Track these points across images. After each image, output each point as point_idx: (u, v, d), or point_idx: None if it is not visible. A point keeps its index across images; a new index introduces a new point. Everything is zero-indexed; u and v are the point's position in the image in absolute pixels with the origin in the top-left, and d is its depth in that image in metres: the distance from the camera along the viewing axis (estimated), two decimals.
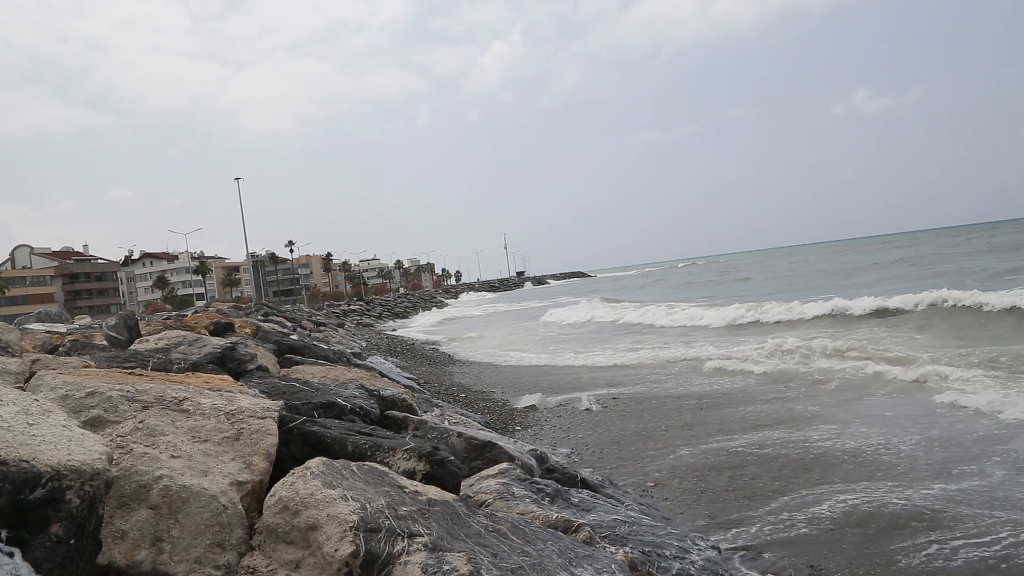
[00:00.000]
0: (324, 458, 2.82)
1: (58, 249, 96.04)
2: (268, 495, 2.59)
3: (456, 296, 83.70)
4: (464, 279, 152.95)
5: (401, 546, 2.30)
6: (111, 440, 2.51)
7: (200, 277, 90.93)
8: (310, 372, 6.30)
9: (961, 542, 4.37)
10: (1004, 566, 4.04)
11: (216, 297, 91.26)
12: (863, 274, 37.03)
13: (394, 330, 35.46)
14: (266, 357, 6.71)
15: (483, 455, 4.32)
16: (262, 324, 11.76)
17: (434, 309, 58.37)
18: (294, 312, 32.96)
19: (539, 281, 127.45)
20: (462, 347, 21.33)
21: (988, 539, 4.37)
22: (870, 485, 5.58)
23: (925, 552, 4.32)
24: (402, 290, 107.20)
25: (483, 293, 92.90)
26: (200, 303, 63.45)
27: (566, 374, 13.77)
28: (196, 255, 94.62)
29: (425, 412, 6.26)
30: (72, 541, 1.83)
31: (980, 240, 63.67)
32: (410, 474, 3.16)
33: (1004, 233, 74.84)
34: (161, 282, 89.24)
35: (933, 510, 4.93)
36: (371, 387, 5.48)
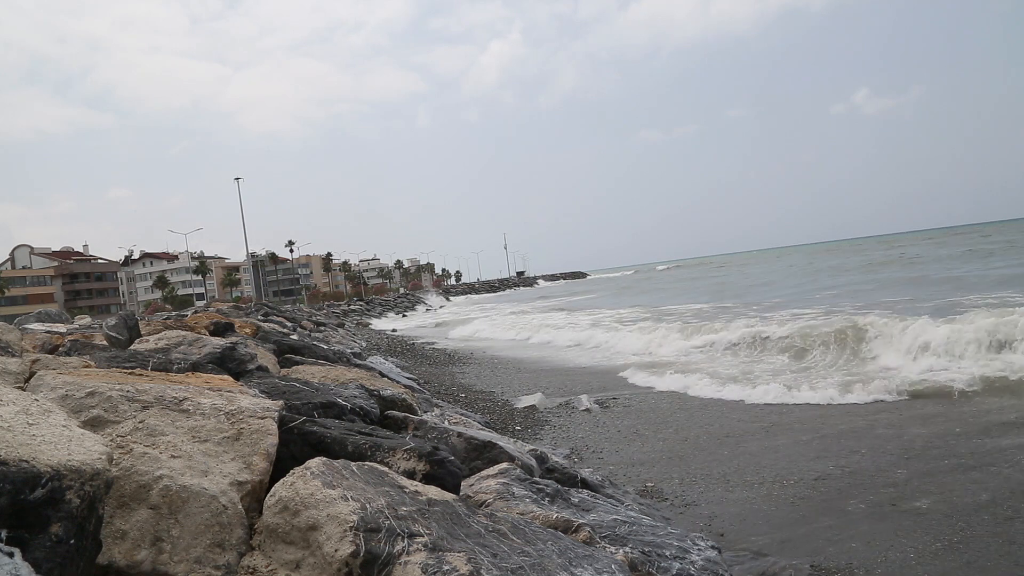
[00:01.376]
0: (324, 458, 2.81)
1: (58, 249, 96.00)
2: (268, 495, 2.59)
3: (447, 298, 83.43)
4: (464, 279, 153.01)
5: (401, 546, 2.30)
6: (111, 440, 2.51)
7: (200, 277, 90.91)
8: (310, 372, 6.30)
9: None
10: None
11: (216, 297, 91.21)
12: (842, 276, 36.88)
13: (395, 330, 35.46)
14: (266, 357, 6.71)
15: (483, 455, 4.32)
16: (262, 324, 11.76)
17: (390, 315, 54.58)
18: (294, 312, 32.94)
19: (530, 281, 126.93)
20: None
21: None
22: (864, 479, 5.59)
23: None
24: (402, 290, 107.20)
25: (479, 295, 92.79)
26: (200, 303, 63.43)
27: (569, 375, 13.77)
28: (196, 255, 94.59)
29: (425, 412, 6.25)
30: (72, 541, 1.83)
31: (974, 239, 63.46)
32: (410, 474, 3.16)
33: (1000, 234, 74.64)
34: (161, 282, 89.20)
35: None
36: (371, 387, 5.47)
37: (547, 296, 58.35)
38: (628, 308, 28.96)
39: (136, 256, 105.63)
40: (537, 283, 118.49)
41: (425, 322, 39.29)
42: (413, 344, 23.28)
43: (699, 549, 3.30)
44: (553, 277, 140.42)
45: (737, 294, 30.64)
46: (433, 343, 23.87)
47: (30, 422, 2.06)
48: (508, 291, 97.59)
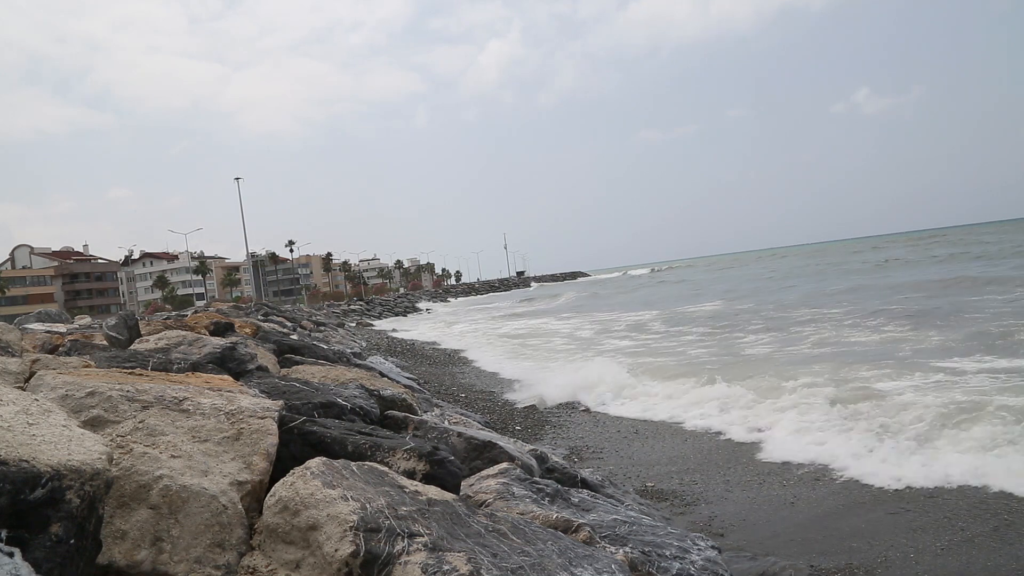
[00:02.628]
0: (324, 458, 2.82)
1: (58, 249, 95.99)
2: (268, 495, 2.59)
3: (444, 299, 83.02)
4: (464, 279, 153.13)
5: (401, 546, 2.30)
6: (111, 440, 2.51)
7: (200, 277, 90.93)
8: (310, 372, 6.30)
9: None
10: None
11: (216, 297, 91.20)
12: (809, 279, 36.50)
13: (395, 329, 35.54)
14: (266, 357, 6.71)
15: (483, 455, 4.32)
16: (262, 324, 11.75)
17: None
18: (294, 312, 32.91)
19: (527, 282, 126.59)
20: None
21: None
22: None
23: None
24: (402, 290, 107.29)
25: (480, 295, 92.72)
26: (200, 303, 63.42)
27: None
28: (196, 255, 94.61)
29: (425, 412, 6.25)
30: (72, 541, 1.83)
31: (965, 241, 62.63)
32: (410, 474, 3.16)
33: (998, 234, 74.08)
34: (161, 282, 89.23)
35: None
36: (371, 387, 5.48)
37: (532, 298, 58.50)
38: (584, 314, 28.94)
39: (136, 256, 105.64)
40: (531, 285, 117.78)
41: (417, 325, 39.64)
42: (413, 344, 23.27)
43: (699, 549, 3.30)
44: (555, 278, 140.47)
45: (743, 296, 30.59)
46: (434, 343, 23.86)
47: (30, 422, 2.06)
48: (503, 292, 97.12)
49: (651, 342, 17.14)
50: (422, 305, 66.41)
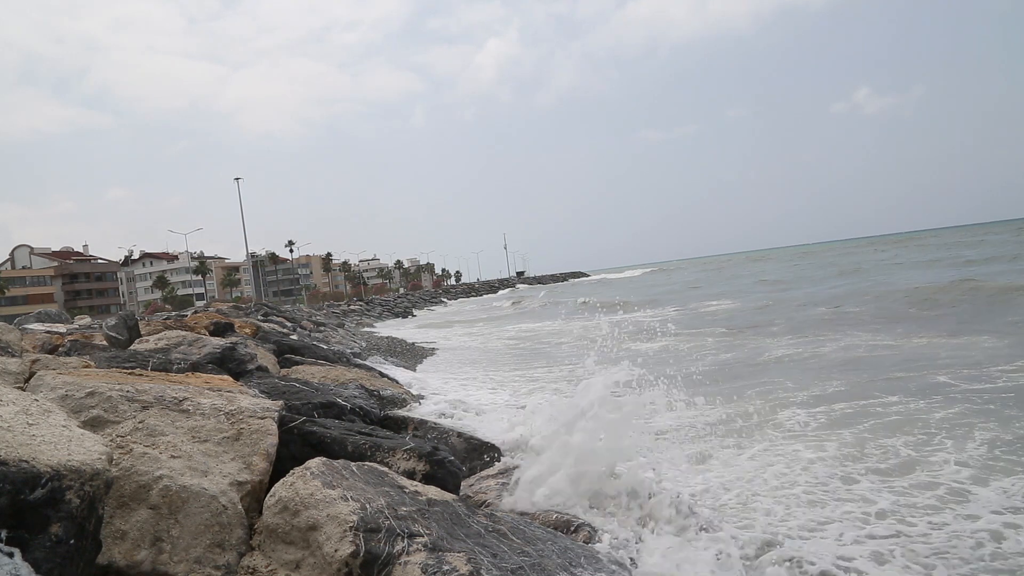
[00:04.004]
0: (324, 458, 2.82)
1: (58, 249, 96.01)
2: (268, 495, 2.59)
3: (444, 301, 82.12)
4: (464, 279, 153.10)
5: (401, 546, 2.30)
6: (111, 440, 2.51)
7: (200, 277, 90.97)
8: (310, 372, 6.30)
9: None
10: None
11: (216, 297, 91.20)
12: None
13: (396, 327, 35.54)
14: (266, 357, 6.72)
15: (483, 455, 4.32)
16: (262, 324, 11.76)
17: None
18: (294, 312, 32.90)
19: (516, 283, 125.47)
20: None
21: None
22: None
23: None
24: (402, 290, 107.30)
25: (480, 296, 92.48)
26: (200, 303, 63.38)
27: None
28: (196, 255, 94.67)
29: None
30: (72, 541, 1.83)
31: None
32: (410, 474, 3.16)
33: (997, 234, 73.73)
34: (161, 282, 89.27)
35: None
36: (371, 387, 5.48)
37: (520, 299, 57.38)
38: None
39: (136, 256, 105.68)
40: (517, 286, 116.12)
41: (415, 326, 39.50)
42: (413, 344, 23.27)
43: None
44: (555, 278, 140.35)
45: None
46: (434, 344, 23.87)
47: (30, 422, 2.06)
48: (495, 293, 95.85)
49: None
50: (418, 311, 66.27)
